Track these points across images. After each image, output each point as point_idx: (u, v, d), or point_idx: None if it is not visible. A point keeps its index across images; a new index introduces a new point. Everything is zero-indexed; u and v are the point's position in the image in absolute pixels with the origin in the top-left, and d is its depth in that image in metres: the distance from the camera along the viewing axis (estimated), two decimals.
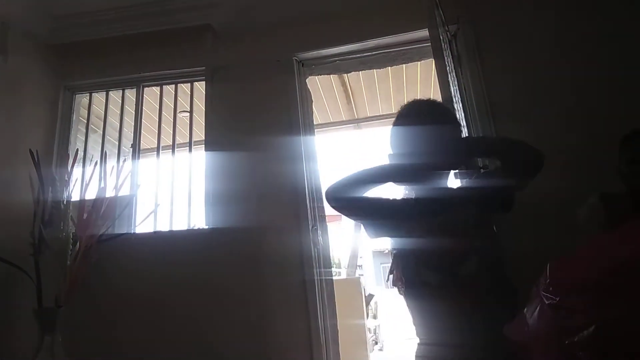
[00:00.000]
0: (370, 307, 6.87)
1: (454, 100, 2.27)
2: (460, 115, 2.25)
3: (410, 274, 1.41)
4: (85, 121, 3.37)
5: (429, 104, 1.57)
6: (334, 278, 2.94)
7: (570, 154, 2.33)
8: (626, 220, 0.95)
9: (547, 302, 0.69)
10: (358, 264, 8.18)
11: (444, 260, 1.33)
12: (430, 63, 3.35)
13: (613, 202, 1.68)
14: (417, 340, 1.43)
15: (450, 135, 1.45)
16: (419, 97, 1.59)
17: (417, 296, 1.40)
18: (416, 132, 1.43)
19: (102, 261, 2.60)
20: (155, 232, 2.97)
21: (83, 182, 2.97)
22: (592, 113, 2.41)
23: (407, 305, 1.44)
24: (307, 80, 3.16)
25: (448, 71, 2.38)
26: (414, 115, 1.49)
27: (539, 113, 2.50)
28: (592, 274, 0.67)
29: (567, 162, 2.31)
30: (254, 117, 3.00)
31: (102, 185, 2.88)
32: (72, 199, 2.73)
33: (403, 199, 1.53)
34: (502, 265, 1.39)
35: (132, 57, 3.25)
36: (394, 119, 1.55)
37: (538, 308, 0.71)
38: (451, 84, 2.30)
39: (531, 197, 2.20)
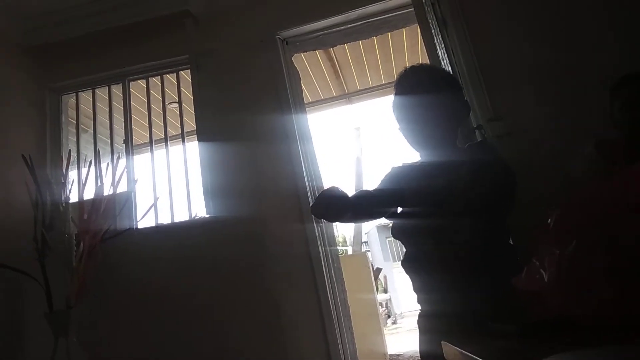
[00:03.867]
0: (379, 281, 6.94)
1: (442, 64, 2.25)
2: None
3: (407, 245, 1.46)
4: (75, 121, 3.34)
5: (425, 69, 1.57)
6: (341, 255, 2.96)
7: (562, 109, 2.32)
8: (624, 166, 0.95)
9: (557, 251, 0.69)
10: (363, 240, 8.24)
11: (436, 229, 1.33)
12: (416, 29, 3.31)
13: (609, 149, 1.68)
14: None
15: (451, 101, 1.44)
16: (412, 64, 1.56)
17: (413, 267, 1.41)
18: (416, 102, 1.42)
19: (107, 259, 2.61)
20: (157, 226, 2.98)
21: (80, 183, 2.97)
22: (584, 65, 2.38)
23: (408, 276, 1.46)
24: (293, 58, 3.12)
25: (433, 34, 2.36)
26: (404, 82, 1.48)
27: (530, 73, 2.48)
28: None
29: (558, 116, 2.31)
30: (243, 101, 2.98)
31: (99, 184, 2.87)
32: (71, 201, 2.73)
33: (391, 187, 1.53)
34: (501, 236, 1.38)
35: (114, 52, 3.21)
36: (391, 87, 1.55)
37: (550, 256, 0.71)
38: (438, 48, 2.28)
39: (526, 157, 2.24)
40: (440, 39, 2.45)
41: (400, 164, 1.59)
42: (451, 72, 2.20)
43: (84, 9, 3.12)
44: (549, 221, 0.72)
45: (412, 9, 2.54)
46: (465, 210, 1.24)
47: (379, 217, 1.54)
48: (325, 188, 1.37)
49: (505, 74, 2.52)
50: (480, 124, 2.28)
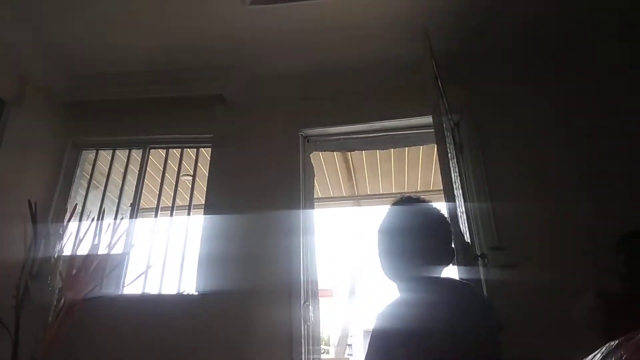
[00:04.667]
0: None
1: (454, 186, 2.30)
2: (459, 201, 2.27)
3: None
4: (88, 177, 3.39)
5: (418, 205, 1.53)
6: (323, 357, 2.83)
7: (568, 241, 2.34)
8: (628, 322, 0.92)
9: None
10: (348, 343, 7.89)
11: None
12: (432, 148, 3.44)
13: (612, 302, 1.66)
14: None
15: (438, 227, 1.44)
16: (409, 195, 1.58)
17: None
18: (400, 233, 1.41)
19: (85, 320, 2.52)
20: (143, 295, 2.89)
21: (77, 237, 2.95)
22: (597, 211, 2.43)
23: None
24: (310, 155, 3.22)
25: (449, 158, 2.44)
26: (404, 214, 1.47)
27: (539, 198, 2.54)
28: None
29: (564, 251, 2.32)
30: (256, 186, 3.03)
31: (96, 242, 2.85)
32: (64, 254, 2.70)
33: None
34: None
35: (142, 119, 3.34)
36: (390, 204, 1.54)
37: None
38: (452, 170, 2.34)
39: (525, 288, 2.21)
40: (455, 162, 2.54)
41: (384, 310, 1.51)
42: (461, 194, 2.24)
43: (125, 77, 3.30)
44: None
45: (432, 130, 2.65)
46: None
47: None
48: None
49: (514, 203, 2.57)
50: (484, 252, 2.28)
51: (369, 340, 1.51)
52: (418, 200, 1.58)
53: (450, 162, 2.40)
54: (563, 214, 2.46)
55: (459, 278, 1.65)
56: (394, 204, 1.50)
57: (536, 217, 2.49)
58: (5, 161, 2.79)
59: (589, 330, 1.68)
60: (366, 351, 1.50)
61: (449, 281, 1.43)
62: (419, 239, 1.38)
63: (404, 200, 1.52)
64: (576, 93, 2.81)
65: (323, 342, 9.13)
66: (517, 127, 2.82)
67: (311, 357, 2.60)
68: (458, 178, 2.49)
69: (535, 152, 2.72)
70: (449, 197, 2.28)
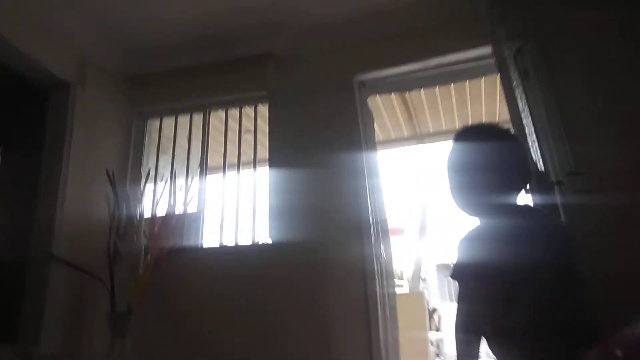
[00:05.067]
0: (433, 320, 6.69)
1: (522, 115, 2.20)
2: (529, 129, 2.18)
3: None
4: (157, 143, 3.56)
5: (486, 130, 1.49)
6: (397, 292, 2.91)
7: None
8: None
9: None
10: (422, 277, 8.01)
11: (488, 312, 1.30)
12: (495, 78, 3.27)
13: None
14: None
15: (507, 152, 1.38)
16: (482, 117, 1.54)
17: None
18: (468, 166, 1.37)
19: (171, 272, 2.74)
20: (221, 247, 3.07)
21: (154, 200, 3.14)
22: None
23: None
24: (367, 99, 3.17)
25: (514, 86, 2.32)
26: (466, 135, 1.45)
27: (617, 131, 2.37)
28: None
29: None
30: (316, 136, 3.05)
31: (172, 202, 3.02)
32: (144, 215, 2.90)
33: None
34: (566, 311, 1.20)
35: (199, 85, 3.41)
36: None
37: None
38: (519, 99, 2.23)
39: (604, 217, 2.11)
40: (522, 90, 2.41)
41: (466, 235, 1.51)
42: (531, 123, 2.14)
43: (179, 46, 3.37)
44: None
45: (492, 59, 2.52)
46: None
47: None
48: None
49: (589, 126, 2.42)
50: (561, 179, 2.19)
51: (452, 270, 1.52)
52: (481, 126, 1.54)
53: (516, 90, 2.29)
54: None
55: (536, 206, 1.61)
56: (459, 135, 1.45)
57: (615, 139, 2.34)
58: (80, 135, 2.98)
59: None
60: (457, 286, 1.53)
61: (526, 208, 1.39)
62: (488, 171, 1.33)
63: (468, 130, 1.47)
64: None
65: (397, 277, 9.32)
66: (587, 51, 2.60)
67: (385, 290, 2.67)
68: (526, 106, 2.36)
69: (611, 75, 2.51)
70: (518, 126, 2.20)
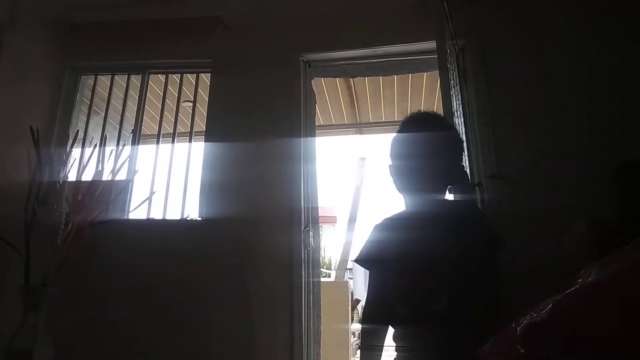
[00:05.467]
0: (356, 311, 6.87)
1: (455, 114, 2.28)
2: (460, 129, 2.26)
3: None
4: (89, 103, 3.37)
5: (426, 114, 1.59)
6: (322, 280, 2.96)
7: (565, 175, 2.35)
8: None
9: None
10: (348, 267, 8.17)
11: (414, 296, 1.33)
12: (436, 74, 3.35)
13: (602, 231, 1.69)
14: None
15: (446, 141, 1.46)
16: (421, 109, 1.60)
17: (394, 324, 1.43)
18: (413, 138, 1.45)
19: (92, 244, 2.61)
20: (148, 220, 2.98)
21: (81, 164, 2.98)
22: (595, 138, 2.42)
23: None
24: (312, 81, 3.17)
25: (452, 85, 2.39)
26: (411, 123, 1.51)
27: (539, 132, 2.52)
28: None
29: (559, 183, 2.34)
30: (257, 112, 3.01)
31: (100, 168, 2.88)
32: (69, 180, 2.74)
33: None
34: (483, 301, 1.28)
35: (141, 43, 3.25)
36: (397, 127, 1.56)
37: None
38: (454, 98, 2.31)
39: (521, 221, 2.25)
40: (458, 90, 2.49)
41: (388, 220, 1.55)
42: (463, 122, 2.23)
43: None
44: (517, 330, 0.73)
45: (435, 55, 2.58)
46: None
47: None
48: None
49: (517, 133, 2.55)
50: (481, 181, 2.30)
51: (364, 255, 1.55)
52: (435, 115, 1.60)
53: (452, 89, 2.35)
54: (566, 144, 2.45)
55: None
56: (413, 115, 1.53)
57: (539, 146, 2.48)
58: (4, 82, 2.76)
59: (579, 259, 1.73)
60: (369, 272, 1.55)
61: (456, 200, 1.48)
62: (439, 159, 1.40)
63: (423, 113, 1.55)
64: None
65: (325, 266, 9.45)
66: (524, 56, 2.73)
67: (311, 279, 2.71)
68: (460, 106, 2.45)
69: (545, 80, 2.65)
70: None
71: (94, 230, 2.59)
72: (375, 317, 1.49)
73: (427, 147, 1.42)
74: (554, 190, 2.36)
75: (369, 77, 3.86)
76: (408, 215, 1.48)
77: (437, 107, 4.36)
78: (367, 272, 1.57)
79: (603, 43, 2.59)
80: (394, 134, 1.52)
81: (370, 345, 1.48)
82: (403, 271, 1.38)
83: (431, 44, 2.73)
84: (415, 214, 1.45)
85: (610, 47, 2.58)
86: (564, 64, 2.64)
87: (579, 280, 0.71)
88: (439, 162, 1.39)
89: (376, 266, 1.51)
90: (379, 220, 1.56)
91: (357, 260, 1.53)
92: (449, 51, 2.48)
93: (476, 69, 2.76)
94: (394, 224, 1.52)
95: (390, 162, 1.50)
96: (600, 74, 2.53)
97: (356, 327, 6.65)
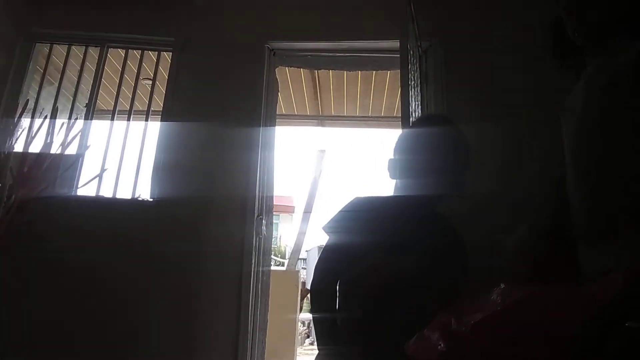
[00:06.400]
0: (306, 300, 6.93)
1: (413, 116, 2.32)
2: None
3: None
4: (42, 72, 3.23)
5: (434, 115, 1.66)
6: (274, 268, 2.96)
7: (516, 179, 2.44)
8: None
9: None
10: (301, 257, 8.21)
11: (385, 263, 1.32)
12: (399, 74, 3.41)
13: (540, 240, 1.75)
14: None
15: (451, 138, 1.54)
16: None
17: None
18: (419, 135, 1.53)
19: (36, 219, 2.52)
20: (97, 197, 2.89)
21: (29, 135, 2.87)
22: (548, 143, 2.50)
23: None
24: (276, 69, 3.15)
25: (412, 85, 2.44)
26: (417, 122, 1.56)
27: (491, 136, 2.60)
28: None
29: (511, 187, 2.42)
30: (217, 96, 2.97)
31: (49, 140, 2.79)
32: (14, 151, 2.63)
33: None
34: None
35: (101, 14, 3.14)
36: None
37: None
38: (412, 100, 2.35)
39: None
40: (418, 91, 2.54)
41: (364, 197, 1.53)
42: None
43: None
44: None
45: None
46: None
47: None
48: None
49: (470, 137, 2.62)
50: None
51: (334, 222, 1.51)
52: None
53: (412, 90, 2.40)
54: (518, 147, 2.55)
55: None
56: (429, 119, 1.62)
57: (491, 150, 2.56)
58: None
59: (518, 265, 1.79)
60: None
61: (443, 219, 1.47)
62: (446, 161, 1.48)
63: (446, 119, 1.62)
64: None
65: (279, 256, 9.45)
66: (484, 61, 2.80)
67: (261, 268, 2.72)
68: (419, 107, 2.50)
69: (500, 84, 2.71)
70: (406, 126, 2.31)
71: (39, 204, 2.51)
72: (328, 283, 1.44)
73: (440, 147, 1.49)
74: (504, 193, 2.44)
75: (333, 71, 3.88)
76: (392, 199, 1.51)
77: (398, 106, 4.43)
78: None
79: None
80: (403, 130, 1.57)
81: (325, 309, 1.41)
82: (371, 238, 1.37)
83: (396, 43, 2.76)
84: (400, 199, 1.48)
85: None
86: (519, 72, 2.72)
87: (498, 298, 0.76)
88: (446, 164, 1.47)
89: (340, 235, 1.47)
90: (360, 196, 1.57)
91: (324, 228, 1.49)
92: (412, 52, 2.52)
93: (437, 71, 2.83)
94: (372, 202, 1.51)
95: (393, 156, 1.54)
96: (554, 80, 2.62)
97: (305, 316, 6.71)
